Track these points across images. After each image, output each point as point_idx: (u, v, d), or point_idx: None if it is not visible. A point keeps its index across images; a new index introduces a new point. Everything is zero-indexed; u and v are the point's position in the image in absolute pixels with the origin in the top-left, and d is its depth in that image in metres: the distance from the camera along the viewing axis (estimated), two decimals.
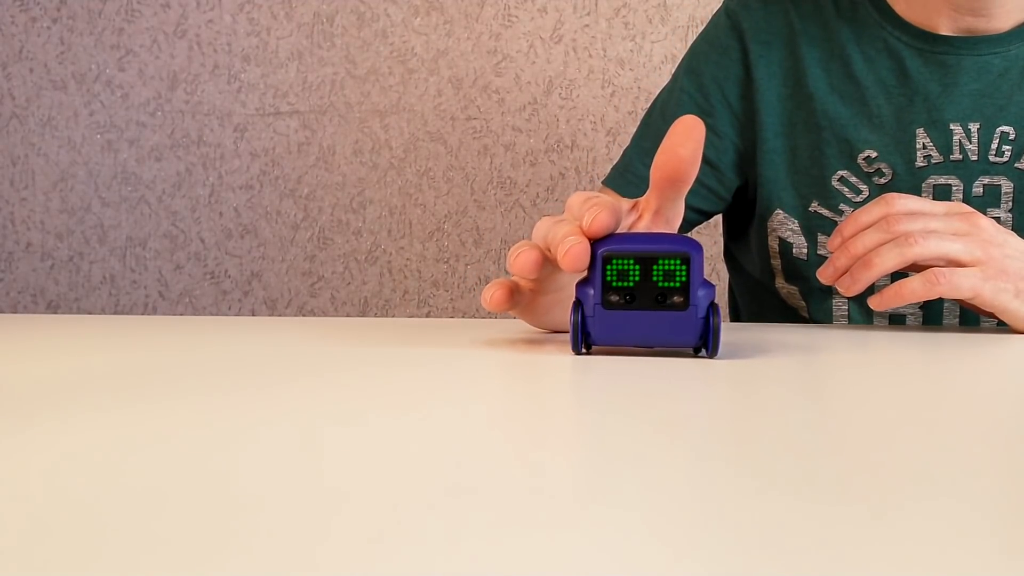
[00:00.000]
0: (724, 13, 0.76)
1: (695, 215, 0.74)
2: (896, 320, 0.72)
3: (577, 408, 0.27)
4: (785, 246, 0.73)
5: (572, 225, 0.40)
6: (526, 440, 0.22)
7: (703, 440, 0.22)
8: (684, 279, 0.38)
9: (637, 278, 0.38)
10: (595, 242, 0.39)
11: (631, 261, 0.38)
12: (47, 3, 1.39)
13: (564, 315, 0.48)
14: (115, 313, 1.39)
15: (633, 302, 0.39)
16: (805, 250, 0.72)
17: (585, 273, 0.40)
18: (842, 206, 0.70)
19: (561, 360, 0.38)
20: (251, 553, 0.13)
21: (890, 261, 0.52)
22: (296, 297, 1.37)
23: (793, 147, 0.72)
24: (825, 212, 0.71)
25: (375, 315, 1.35)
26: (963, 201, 0.68)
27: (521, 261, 0.41)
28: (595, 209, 0.39)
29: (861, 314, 0.72)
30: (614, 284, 0.39)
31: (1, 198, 1.41)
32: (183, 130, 1.38)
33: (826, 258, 0.72)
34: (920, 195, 0.69)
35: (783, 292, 0.76)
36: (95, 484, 0.17)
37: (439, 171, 1.34)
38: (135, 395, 0.28)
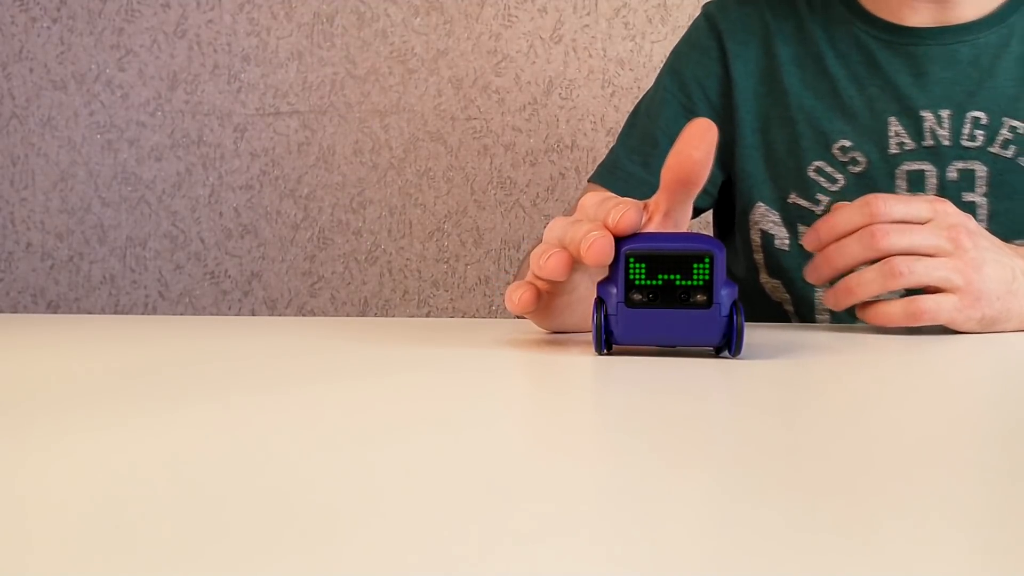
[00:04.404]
0: (703, 16, 0.79)
1: None
2: None
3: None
4: (767, 238, 0.75)
5: (594, 223, 0.40)
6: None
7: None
8: (707, 278, 0.38)
9: (661, 277, 0.39)
10: (618, 240, 0.39)
11: (655, 260, 0.39)
12: (47, 3, 1.39)
13: (574, 317, 0.48)
14: (115, 313, 1.39)
15: (656, 300, 0.39)
16: (787, 241, 0.74)
17: (605, 272, 0.40)
18: (819, 196, 0.72)
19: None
20: (270, 555, 0.13)
21: (873, 290, 0.52)
22: (296, 297, 1.37)
23: (769, 142, 0.74)
24: (803, 203, 0.73)
25: (375, 315, 1.35)
26: (938, 186, 0.69)
27: (552, 263, 0.41)
28: (621, 207, 0.39)
29: None
30: (637, 282, 0.39)
31: (1, 198, 1.41)
32: (183, 130, 1.38)
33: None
34: (895, 182, 0.70)
35: (767, 287, 0.77)
36: (96, 485, 0.17)
37: (439, 171, 1.34)
38: (135, 396, 0.28)
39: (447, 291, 1.35)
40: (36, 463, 0.19)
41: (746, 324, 0.59)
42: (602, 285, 0.40)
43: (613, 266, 0.39)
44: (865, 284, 0.52)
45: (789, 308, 0.76)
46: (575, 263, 0.41)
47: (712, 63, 0.77)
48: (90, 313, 1.39)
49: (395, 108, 1.35)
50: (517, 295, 0.43)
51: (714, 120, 0.81)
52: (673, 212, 0.43)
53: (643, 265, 0.39)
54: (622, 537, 0.14)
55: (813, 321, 0.75)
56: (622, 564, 0.13)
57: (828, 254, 0.54)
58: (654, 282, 0.39)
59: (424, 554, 0.13)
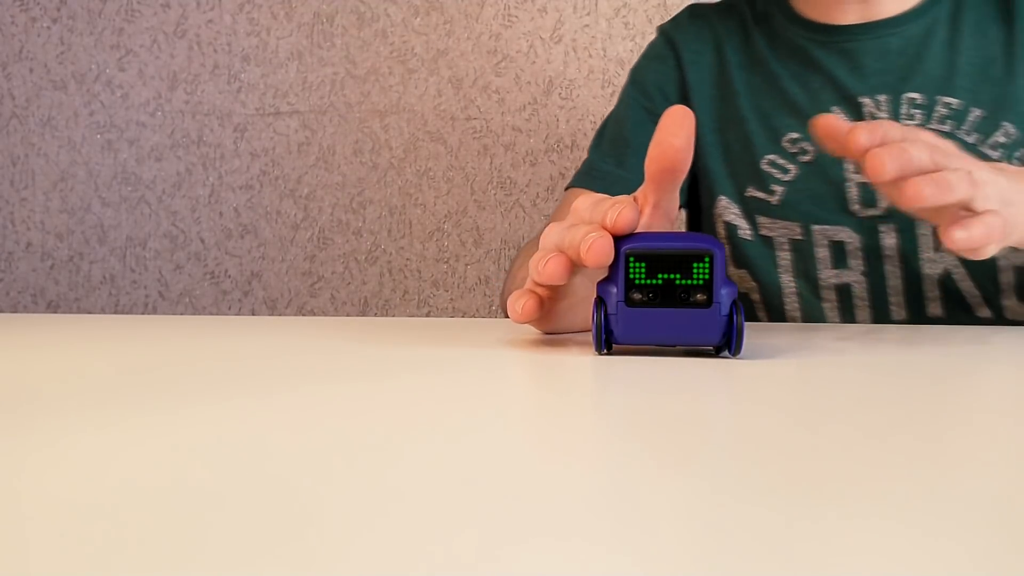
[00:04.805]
0: (659, 33, 0.87)
1: None
2: (843, 293, 0.76)
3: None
4: (731, 229, 0.80)
5: (592, 224, 0.40)
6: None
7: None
8: (707, 277, 0.38)
9: (661, 276, 0.39)
10: (617, 240, 0.39)
11: (655, 259, 0.39)
12: (47, 3, 1.39)
13: (574, 319, 0.48)
14: (115, 313, 1.39)
15: (656, 300, 0.39)
16: (749, 232, 0.79)
17: (605, 273, 0.40)
18: (773, 187, 0.78)
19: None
20: (271, 555, 0.13)
21: (961, 194, 0.48)
22: (296, 297, 1.37)
23: (726, 141, 0.81)
24: (760, 195, 0.78)
25: (375, 315, 1.35)
26: None
27: (551, 267, 0.41)
28: (617, 206, 0.39)
29: (808, 289, 0.78)
30: (637, 282, 0.39)
31: (1, 198, 1.41)
32: (183, 130, 1.38)
33: (767, 238, 0.78)
34: (842, 165, 0.74)
35: (734, 278, 0.81)
36: (96, 485, 0.17)
37: (439, 171, 1.34)
38: (135, 396, 0.28)
39: (447, 291, 1.35)
40: (36, 463, 0.19)
41: (746, 324, 0.58)
42: (602, 284, 0.40)
43: (613, 266, 0.39)
44: (956, 185, 0.48)
45: (756, 296, 0.80)
46: (574, 266, 0.41)
47: (670, 70, 0.83)
48: (90, 313, 1.39)
49: (395, 108, 1.35)
50: (519, 304, 0.43)
51: None
52: (662, 202, 0.43)
53: (643, 264, 0.39)
54: (623, 537, 0.14)
55: (781, 307, 0.79)
56: (622, 564, 0.13)
57: (901, 151, 0.48)
58: (654, 281, 0.39)
59: (423, 554, 0.13)
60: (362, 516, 0.15)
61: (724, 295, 0.38)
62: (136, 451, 0.20)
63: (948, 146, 0.52)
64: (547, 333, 0.51)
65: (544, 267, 0.41)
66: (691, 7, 0.87)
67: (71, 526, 0.14)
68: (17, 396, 0.28)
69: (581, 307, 0.46)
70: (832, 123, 0.50)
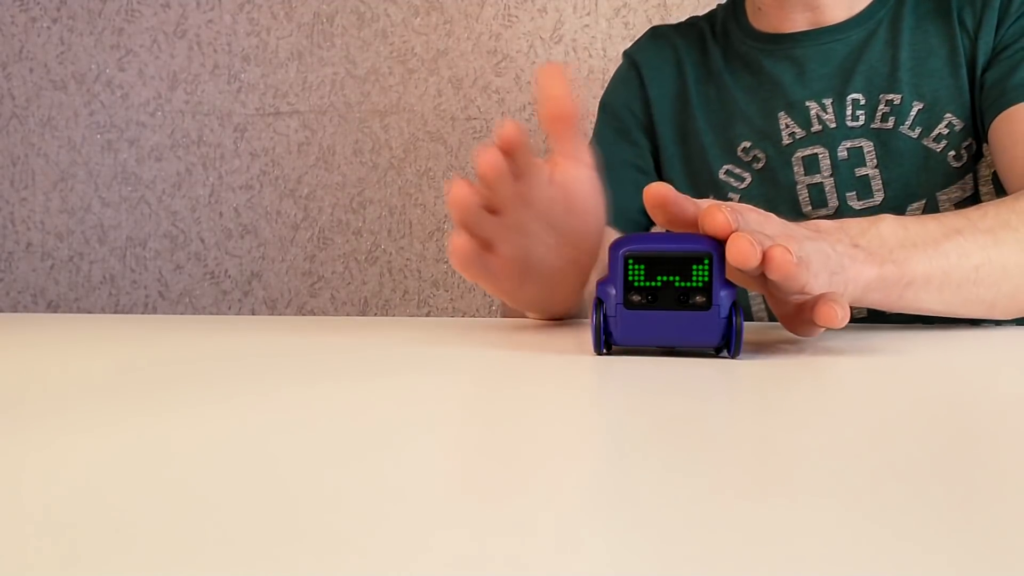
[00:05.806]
0: (624, 57, 0.92)
1: (643, 217, 0.83)
2: None
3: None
4: None
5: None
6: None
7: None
8: (706, 279, 0.38)
9: (659, 278, 0.39)
10: (616, 242, 0.39)
11: (654, 261, 0.39)
12: (47, 3, 1.39)
13: (540, 293, 0.49)
14: (115, 313, 1.39)
15: (655, 302, 0.39)
16: None
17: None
18: (731, 195, 0.81)
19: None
20: (269, 555, 0.13)
21: (802, 282, 0.44)
22: (296, 297, 1.37)
23: (686, 153, 0.84)
24: None
25: (375, 315, 1.35)
26: (831, 166, 0.77)
27: (487, 158, 0.43)
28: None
29: None
30: (636, 284, 0.39)
31: (1, 198, 1.41)
32: (183, 130, 1.38)
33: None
34: (792, 169, 0.78)
35: None
36: (95, 485, 0.17)
37: (439, 171, 1.34)
38: (135, 395, 0.28)
39: (447, 291, 1.35)
40: (35, 462, 0.19)
41: (745, 323, 0.58)
42: (601, 286, 0.40)
43: (612, 267, 0.39)
44: (800, 273, 0.44)
45: None
46: (507, 159, 0.43)
47: (634, 89, 0.88)
48: (90, 313, 1.39)
49: (395, 108, 1.35)
50: (455, 243, 0.44)
51: (645, 134, 0.86)
52: (568, 150, 0.46)
53: (642, 266, 0.39)
54: (622, 537, 0.14)
55: (747, 307, 0.81)
56: (621, 564, 0.13)
57: (755, 238, 0.43)
58: (653, 283, 0.39)
59: (421, 553, 0.13)
60: (361, 516, 0.15)
61: (723, 297, 0.38)
62: (136, 450, 0.20)
63: (771, 221, 0.47)
64: (523, 309, 0.52)
65: (481, 161, 0.43)
66: (653, 28, 0.92)
67: (71, 526, 0.14)
68: (17, 396, 0.28)
69: (538, 269, 0.48)
70: (662, 193, 0.45)
